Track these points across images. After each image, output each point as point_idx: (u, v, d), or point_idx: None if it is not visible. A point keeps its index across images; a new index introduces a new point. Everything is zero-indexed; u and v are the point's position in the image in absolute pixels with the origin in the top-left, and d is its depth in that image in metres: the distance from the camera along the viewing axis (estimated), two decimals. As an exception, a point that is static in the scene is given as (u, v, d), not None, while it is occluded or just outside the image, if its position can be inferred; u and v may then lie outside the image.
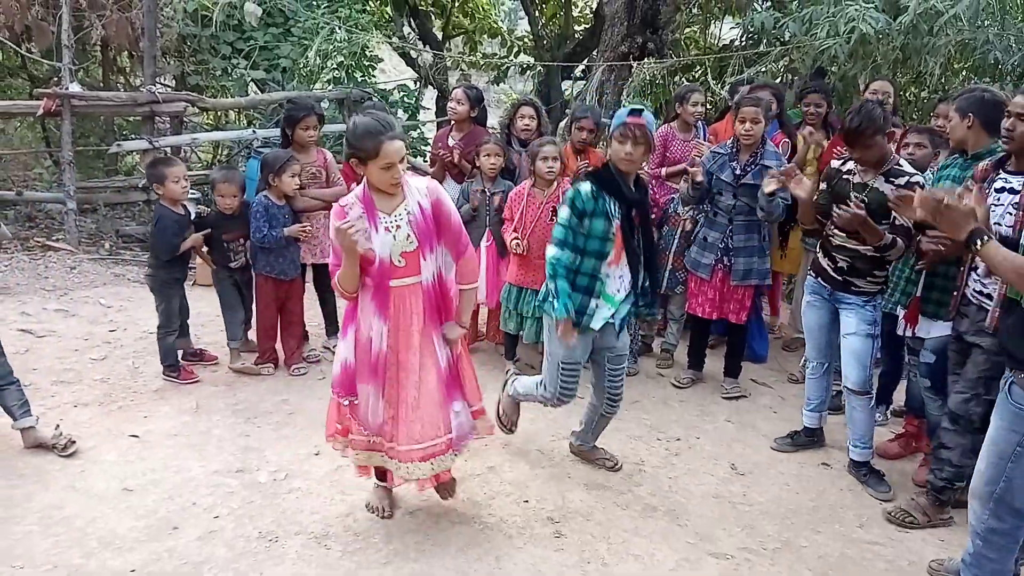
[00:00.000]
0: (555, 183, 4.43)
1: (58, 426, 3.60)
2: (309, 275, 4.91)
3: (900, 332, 3.80)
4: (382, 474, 3.17)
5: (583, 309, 3.27)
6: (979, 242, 2.38)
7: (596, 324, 3.32)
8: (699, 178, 4.31)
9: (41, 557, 2.80)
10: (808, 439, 4.08)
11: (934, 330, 3.59)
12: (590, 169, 3.48)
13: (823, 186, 3.73)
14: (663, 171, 5.27)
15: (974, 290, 3.12)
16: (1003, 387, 2.54)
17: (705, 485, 3.66)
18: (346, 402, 3.00)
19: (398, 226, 2.85)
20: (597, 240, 3.23)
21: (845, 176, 3.57)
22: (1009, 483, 2.54)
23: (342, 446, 3.07)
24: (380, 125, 2.73)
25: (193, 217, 4.44)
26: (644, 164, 3.59)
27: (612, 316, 3.34)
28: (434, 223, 2.91)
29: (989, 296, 3.02)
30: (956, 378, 3.27)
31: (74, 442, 3.53)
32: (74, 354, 4.69)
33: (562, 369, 3.37)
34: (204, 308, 5.11)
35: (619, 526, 3.24)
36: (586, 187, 3.26)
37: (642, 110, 3.26)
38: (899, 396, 4.38)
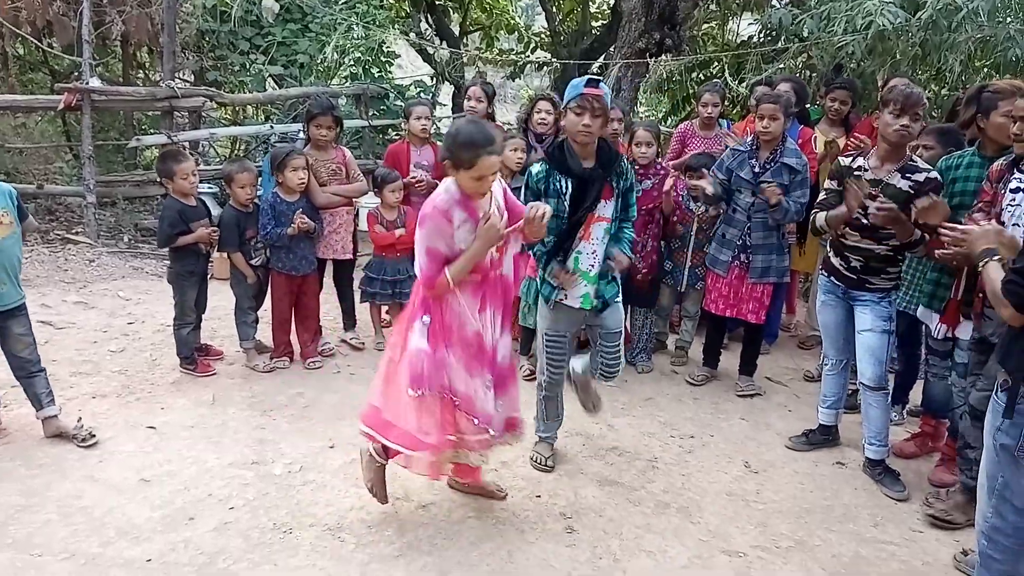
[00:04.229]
0: None
1: (80, 418, 3.65)
2: (329, 269, 4.95)
3: (937, 335, 3.70)
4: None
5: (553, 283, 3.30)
6: (982, 264, 2.42)
7: (574, 302, 3.33)
8: (709, 190, 4.30)
9: (59, 545, 2.83)
10: (823, 438, 4.05)
11: (969, 331, 3.48)
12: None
13: (831, 184, 3.70)
14: (670, 164, 5.26)
15: None
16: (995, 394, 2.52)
17: (718, 483, 3.65)
18: (417, 393, 2.82)
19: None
20: (553, 218, 3.12)
21: (856, 173, 3.54)
22: (1007, 480, 2.52)
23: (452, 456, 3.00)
24: (482, 138, 2.71)
25: (214, 220, 4.46)
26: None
27: (596, 297, 3.33)
28: (508, 213, 2.97)
29: None
30: (975, 379, 3.23)
31: (94, 435, 3.57)
32: (93, 346, 4.75)
33: (546, 340, 3.45)
34: (220, 302, 5.14)
35: (631, 522, 3.24)
36: (536, 167, 3.27)
37: (599, 81, 3.16)
38: (915, 396, 4.35)
